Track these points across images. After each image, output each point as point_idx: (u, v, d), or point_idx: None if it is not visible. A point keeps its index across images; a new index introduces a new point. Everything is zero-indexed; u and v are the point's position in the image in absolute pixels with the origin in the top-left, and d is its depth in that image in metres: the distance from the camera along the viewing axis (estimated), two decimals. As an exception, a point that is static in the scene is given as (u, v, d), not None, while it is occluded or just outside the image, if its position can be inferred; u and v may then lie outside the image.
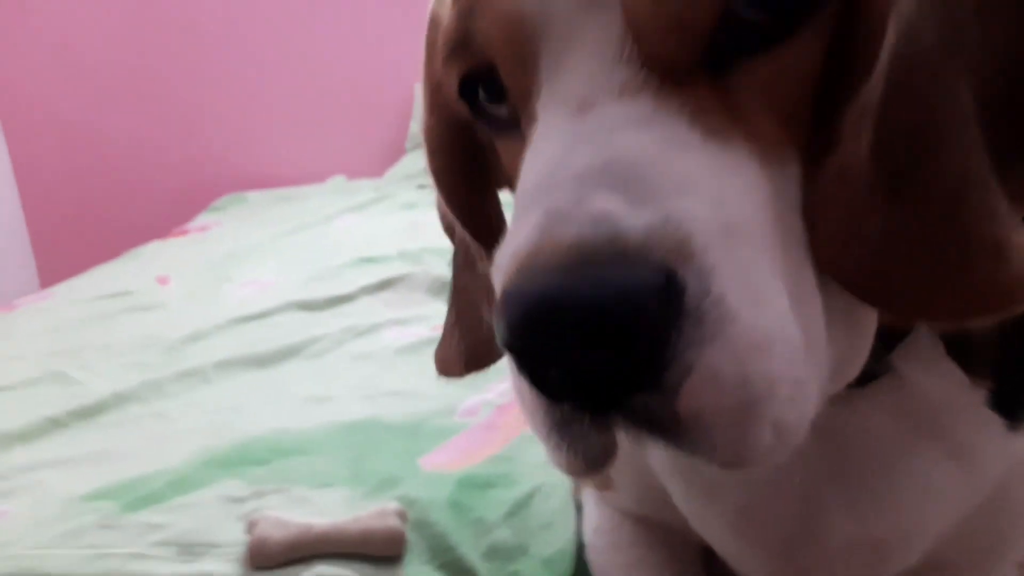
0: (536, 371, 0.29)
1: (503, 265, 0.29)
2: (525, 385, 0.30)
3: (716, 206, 0.29)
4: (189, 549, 0.60)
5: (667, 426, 0.29)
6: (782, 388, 0.29)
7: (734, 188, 0.30)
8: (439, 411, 0.83)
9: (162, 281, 1.59)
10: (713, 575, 0.62)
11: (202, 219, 2.53)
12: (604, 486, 0.63)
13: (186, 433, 0.81)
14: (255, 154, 3.07)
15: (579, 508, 0.66)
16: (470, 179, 0.48)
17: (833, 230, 0.32)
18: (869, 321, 0.38)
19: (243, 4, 2.92)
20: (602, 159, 0.29)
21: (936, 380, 0.45)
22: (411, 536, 0.61)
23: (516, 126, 0.38)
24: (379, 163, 2.99)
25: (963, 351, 0.45)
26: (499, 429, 0.79)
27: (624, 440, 0.34)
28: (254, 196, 2.79)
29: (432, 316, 1.17)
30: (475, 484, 0.68)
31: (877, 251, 0.31)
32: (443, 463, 0.72)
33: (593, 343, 0.26)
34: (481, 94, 0.39)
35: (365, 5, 2.96)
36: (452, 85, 0.40)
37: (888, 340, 0.42)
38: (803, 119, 0.33)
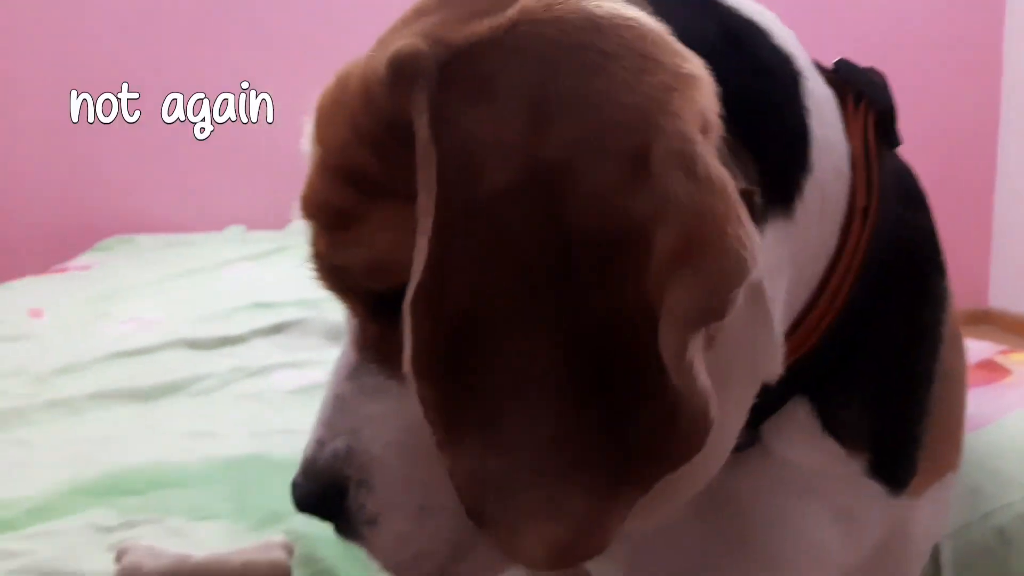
0: None
1: None
2: None
3: (376, 439, 0.41)
4: (47, 579, 0.55)
5: None
6: (430, 559, 0.40)
7: (397, 420, 0.40)
8: (331, 451, 0.80)
9: (35, 314, 1.49)
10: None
11: (85, 258, 2.40)
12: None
13: (50, 463, 0.75)
14: (149, 197, 2.96)
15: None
16: None
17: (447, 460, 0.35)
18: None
19: (151, 39, 2.86)
20: (332, 398, 0.42)
21: (808, 451, 0.46)
22: (297, 572, 0.57)
23: None
24: (282, 215, 2.92)
25: (837, 423, 0.46)
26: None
27: None
28: (144, 239, 2.68)
29: (327, 361, 1.14)
30: (366, 522, 0.65)
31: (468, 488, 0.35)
32: (333, 501, 0.69)
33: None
34: None
35: (277, 52, 2.95)
36: None
37: (757, 414, 0.43)
38: None
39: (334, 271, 0.41)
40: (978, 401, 0.79)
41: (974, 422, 0.75)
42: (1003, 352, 0.92)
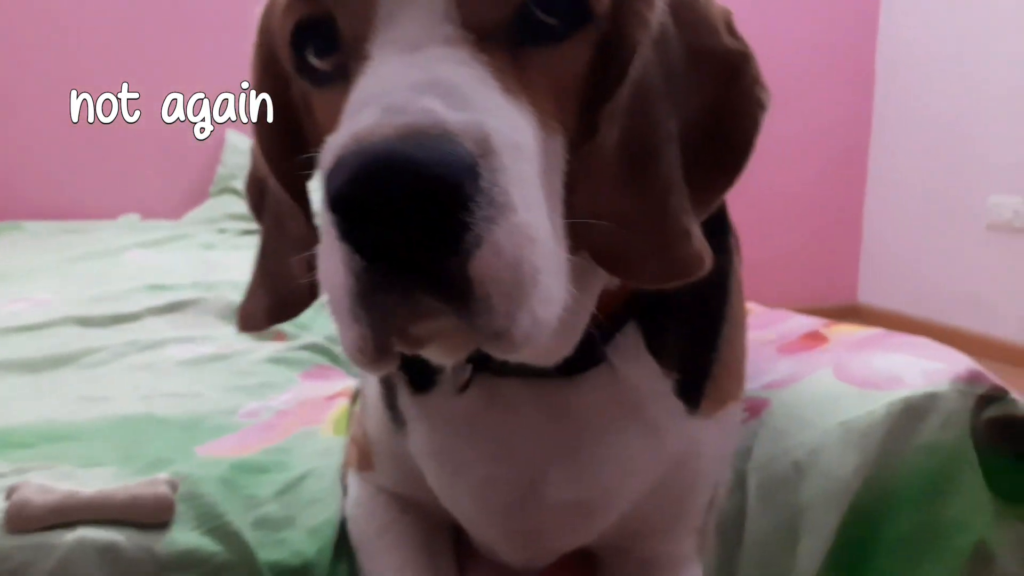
0: (359, 228, 0.35)
1: (335, 145, 0.36)
2: (339, 262, 0.37)
3: (510, 129, 0.39)
4: (-61, 515, 0.59)
5: (457, 288, 0.36)
6: (541, 281, 0.39)
7: (521, 126, 0.41)
8: (219, 412, 0.86)
9: (-85, 296, 1.46)
10: (462, 552, 0.71)
11: (-33, 244, 2.32)
12: (366, 466, 0.70)
13: (-61, 422, 0.78)
14: (38, 182, 2.88)
15: (345, 490, 0.72)
16: (288, 145, 0.54)
17: (593, 205, 0.44)
18: (587, 305, 0.50)
19: (43, 18, 2.79)
20: (428, 77, 0.38)
21: (637, 370, 0.57)
22: (180, 506, 0.63)
23: (339, 79, 0.45)
24: (179, 206, 2.90)
25: (657, 346, 0.58)
26: (277, 428, 0.83)
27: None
28: (33, 225, 2.61)
29: (221, 337, 1.19)
30: (249, 468, 0.71)
31: (618, 230, 0.44)
32: (218, 452, 0.75)
33: (416, 196, 0.34)
34: (310, 50, 0.47)
35: (179, 41, 2.92)
36: (286, 34, 0.47)
37: (603, 334, 0.54)
38: (571, 108, 0.46)
39: None
40: (796, 364, 0.92)
41: (791, 379, 0.88)
42: (826, 325, 1.06)
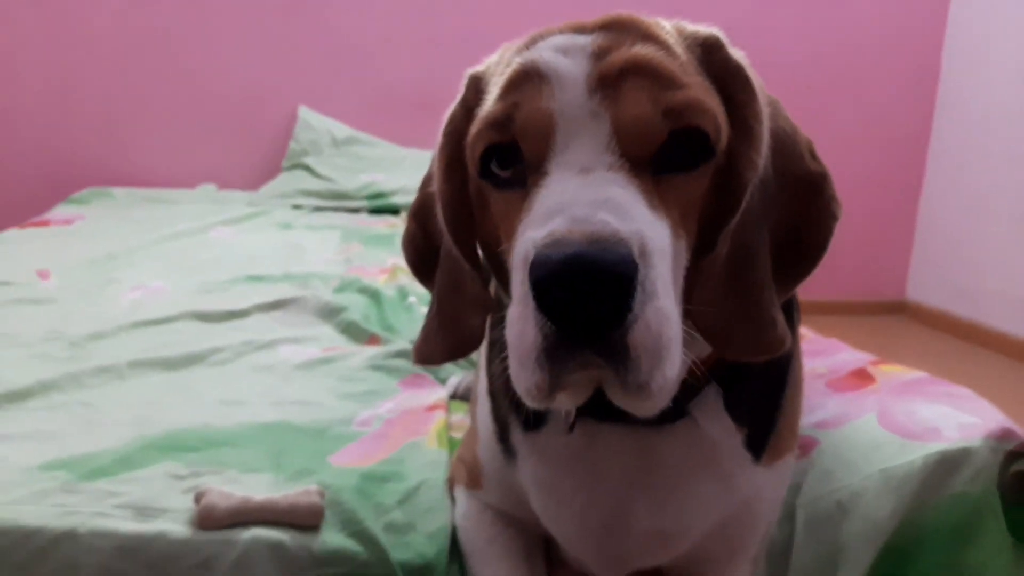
0: (554, 304, 0.49)
1: (535, 240, 0.50)
2: (531, 326, 0.50)
3: (657, 237, 0.52)
4: (144, 512, 0.74)
5: (618, 352, 0.49)
6: (671, 350, 0.52)
7: (662, 235, 0.54)
8: (339, 420, 1.00)
9: (43, 275, 1.63)
10: (550, 560, 0.84)
11: (62, 210, 2.49)
12: (474, 485, 0.84)
13: (116, 422, 0.92)
14: (121, 150, 3.04)
15: (453, 500, 0.86)
16: (465, 225, 0.67)
17: (705, 297, 0.58)
18: (683, 369, 0.62)
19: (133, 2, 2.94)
20: (601, 196, 0.52)
21: (715, 424, 0.69)
22: (328, 512, 0.77)
23: (516, 185, 0.59)
24: (252, 177, 3.05)
25: (733, 405, 0.69)
26: (389, 439, 0.97)
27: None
28: (120, 193, 2.77)
29: (322, 338, 1.33)
30: (374, 478, 0.85)
31: (723, 317, 0.58)
32: (347, 462, 0.89)
33: (597, 286, 0.47)
34: (494, 162, 0.60)
35: (257, 20, 3.04)
36: (478, 151, 0.61)
37: (687, 393, 0.66)
38: (693, 219, 0.59)
39: (662, 115, 0.55)
40: (845, 404, 1.03)
41: (839, 420, 0.98)
42: (873, 363, 1.15)
